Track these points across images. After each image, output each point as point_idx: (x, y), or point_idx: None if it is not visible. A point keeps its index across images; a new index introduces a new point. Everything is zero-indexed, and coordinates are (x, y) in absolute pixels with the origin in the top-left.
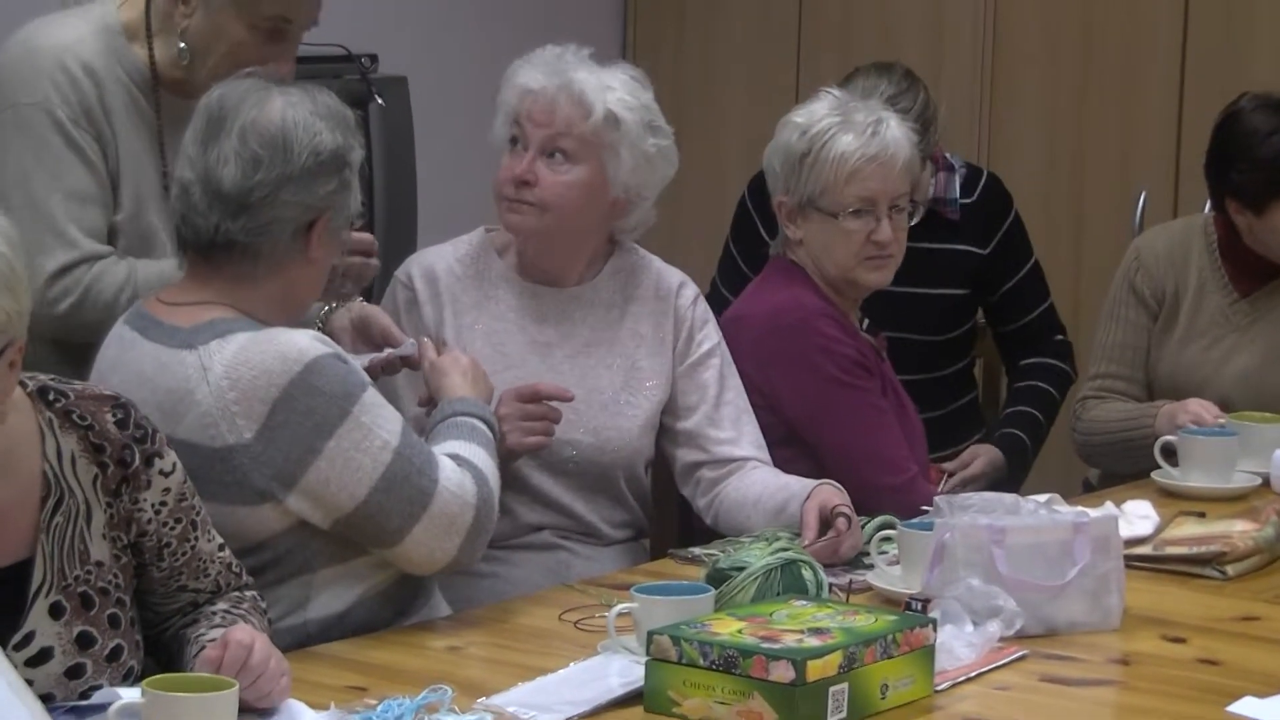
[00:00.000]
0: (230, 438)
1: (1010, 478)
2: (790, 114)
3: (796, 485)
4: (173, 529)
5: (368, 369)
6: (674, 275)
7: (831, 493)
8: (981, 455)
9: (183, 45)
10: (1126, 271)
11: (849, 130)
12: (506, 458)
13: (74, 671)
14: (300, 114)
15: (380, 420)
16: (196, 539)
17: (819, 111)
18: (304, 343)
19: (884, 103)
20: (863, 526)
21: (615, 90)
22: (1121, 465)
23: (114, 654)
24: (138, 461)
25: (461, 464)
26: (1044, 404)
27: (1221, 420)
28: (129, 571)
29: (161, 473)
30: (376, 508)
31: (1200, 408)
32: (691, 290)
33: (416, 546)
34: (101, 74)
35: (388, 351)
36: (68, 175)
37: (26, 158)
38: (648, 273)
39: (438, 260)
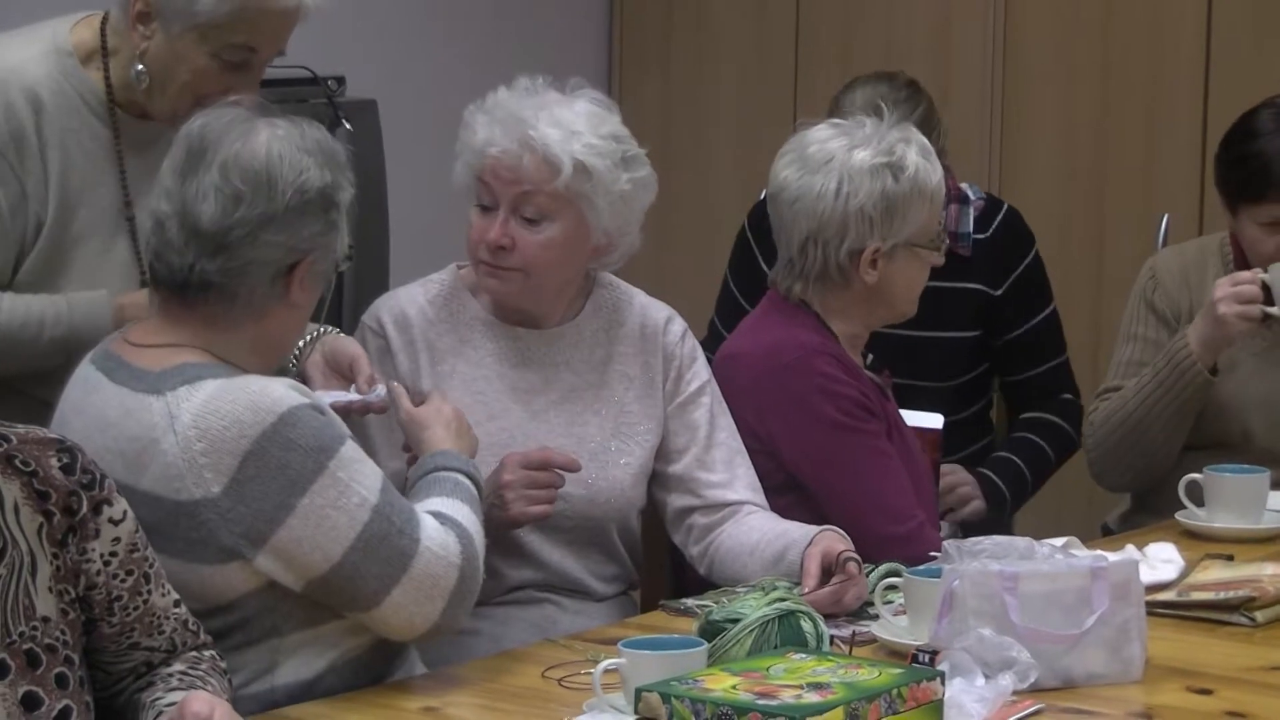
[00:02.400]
0: (197, 491)
1: (983, 526)
2: (839, 158)
3: (797, 532)
4: (124, 581)
5: (334, 408)
6: (659, 310)
7: (835, 539)
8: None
9: (140, 68)
10: (1143, 290)
11: (919, 157)
12: (507, 526)
13: None
14: (286, 149)
15: (358, 476)
16: (149, 593)
17: (894, 149)
18: (279, 392)
19: (888, 108)
20: (866, 575)
21: (581, 135)
22: (1140, 451)
23: (62, 716)
24: (85, 509)
25: (445, 522)
26: (1033, 457)
27: (1262, 276)
28: (77, 628)
29: (111, 520)
30: (353, 569)
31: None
32: (679, 325)
33: (396, 611)
34: (47, 101)
35: (353, 397)
36: None
37: None
38: (631, 308)
39: (408, 303)
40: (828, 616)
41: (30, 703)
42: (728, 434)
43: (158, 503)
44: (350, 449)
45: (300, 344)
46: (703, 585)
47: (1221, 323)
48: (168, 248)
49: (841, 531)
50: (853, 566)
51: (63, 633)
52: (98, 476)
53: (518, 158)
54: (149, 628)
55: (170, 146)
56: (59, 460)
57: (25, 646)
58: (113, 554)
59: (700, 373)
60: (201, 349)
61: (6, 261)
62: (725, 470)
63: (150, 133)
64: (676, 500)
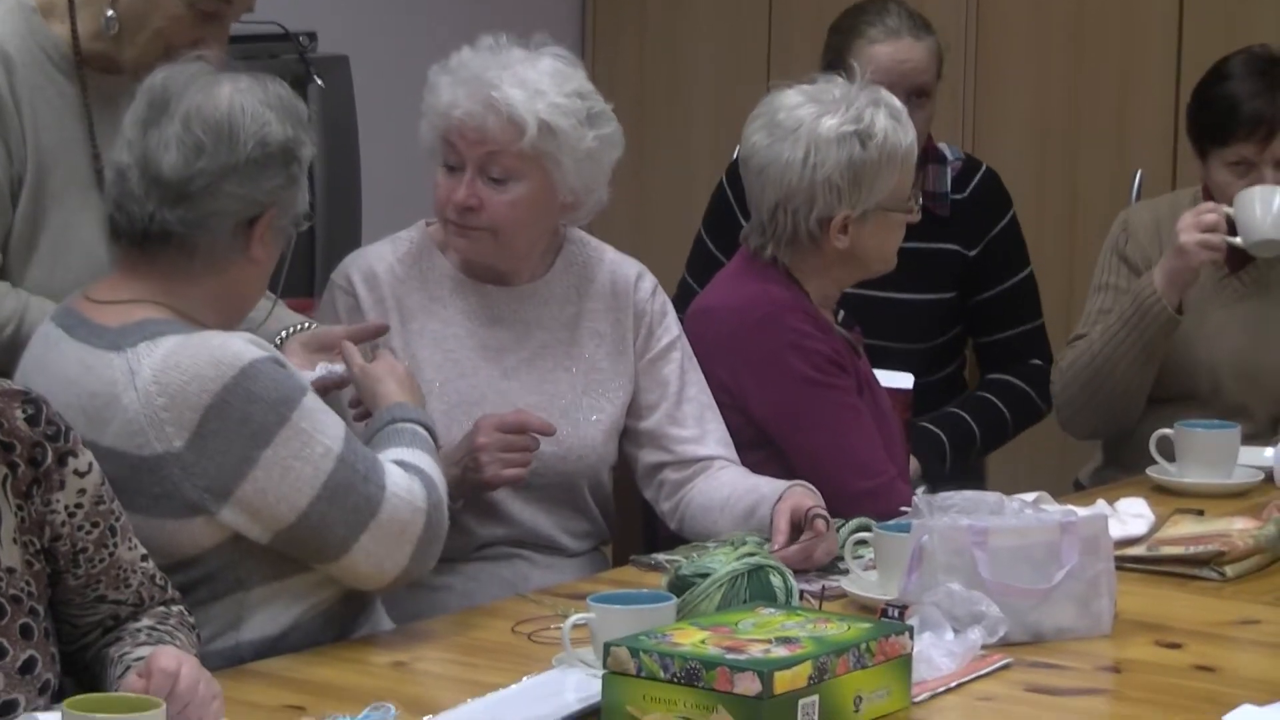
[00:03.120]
0: (159, 446)
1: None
2: (807, 126)
3: (767, 487)
4: (89, 533)
5: (314, 385)
6: (630, 266)
7: (804, 494)
8: None
9: (111, 14)
10: (1115, 242)
11: (889, 121)
12: (481, 489)
13: None
14: (249, 102)
15: (321, 426)
16: (115, 545)
17: (862, 115)
18: (239, 346)
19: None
20: (837, 530)
21: (545, 95)
22: (1106, 394)
23: (27, 666)
24: (50, 460)
25: (409, 469)
26: (987, 418)
27: (1227, 210)
28: (42, 579)
29: (76, 473)
30: (320, 519)
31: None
32: (649, 281)
33: (365, 558)
34: (15, 58)
35: (325, 371)
36: None
37: None
38: (601, 265)
39: (377, 261)
40: (797, 572)
41: None
42: (698, 389)
43: (120, 458)
44: (312, 400)
45: (281, 334)
46: (675, 541)
47: (1184, 252)
48: (128, 198)
49: (811, 487)
50: (820, 523)
51: (28, 584)
52: (63, 428)
53: (482, 119)
54: (115, 581)
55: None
56: (24, 412)
57: None
58: (78, 506)
59: (671, 328)
60: (161, 304)
61: (4, 225)
62: (696, 426)
63: (117, 87)
64: (647, 456)
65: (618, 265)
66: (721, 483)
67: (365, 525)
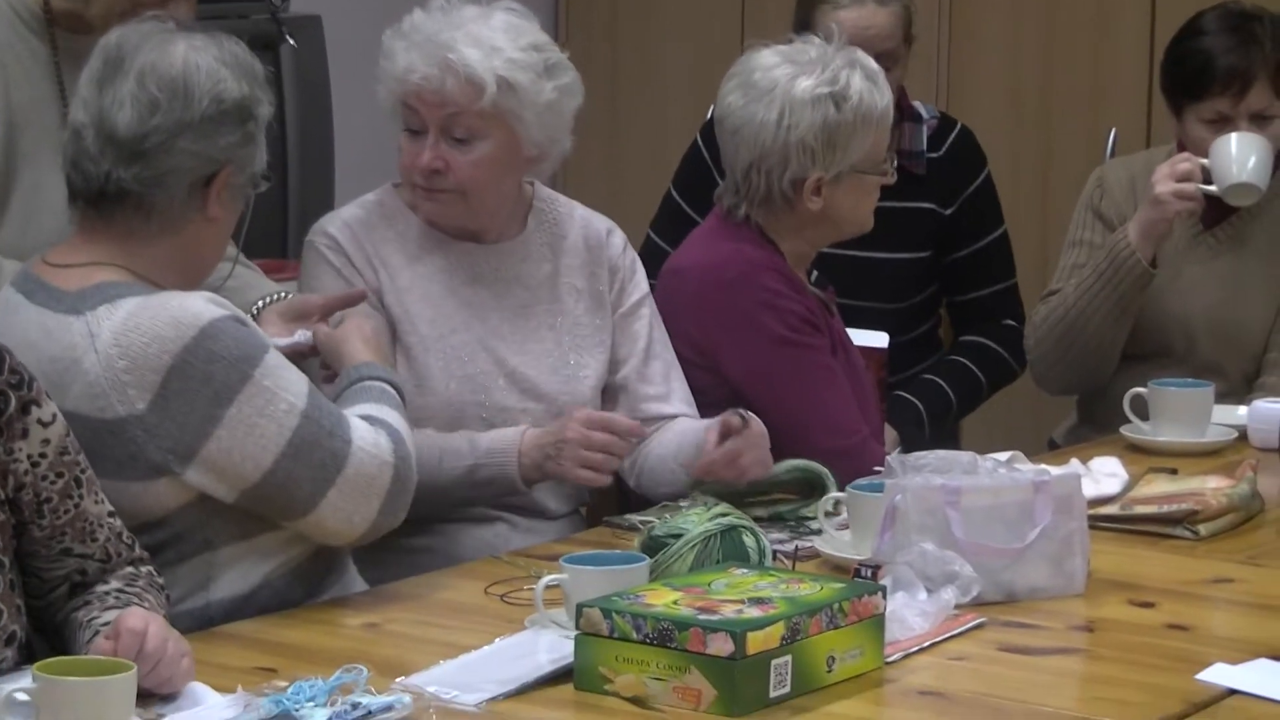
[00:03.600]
0: (121, 409)
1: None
2: (781, 87)
3: (711, 421)
4: (53, 483)
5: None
6: (600, 221)
7: (734, 414)
8: None
9: None
10: (1089, 198)
11: (864, 83)
12: (554, 479)
13: None
14: (204, 59)
15: (284, 383)
16: (81, 497)
17: (837, 77)
18: (198, 306)
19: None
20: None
21: (501, 50)
22: (1080, 349)
23: None
24: (13, 407)
25: (375, 423)
26: (961, 381)
27: (1202, 161)
28: (7, 530)
29: (40, 422)
30: (285, 475)
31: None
32: (620, 236)
33: (333, 513)
34: None
35: (301, 336)
36: None
37: None
38: (572, 221)
39: (353, 220)
40: (730, 493)
41: None
42: (664, 347)
43: (83, 422)
44: (274, 357)
45: (257, 304)
46: (647, 503)
47: (1159, 203)
48: (84, 156)
49: (749, 414)
50: (736, 420)
51: None
52: (26, 378)
53: (440, 82)
54: (81, 533)
55: None
56: None
57: None
58: (42, 455)
59: (641, 284)
60: (120, 266)
61: None
62: (663, 383)
63: (86, 46)
64: (616, 411)
65: (589, 221)
66: (673, 434)
67: (332, 480)
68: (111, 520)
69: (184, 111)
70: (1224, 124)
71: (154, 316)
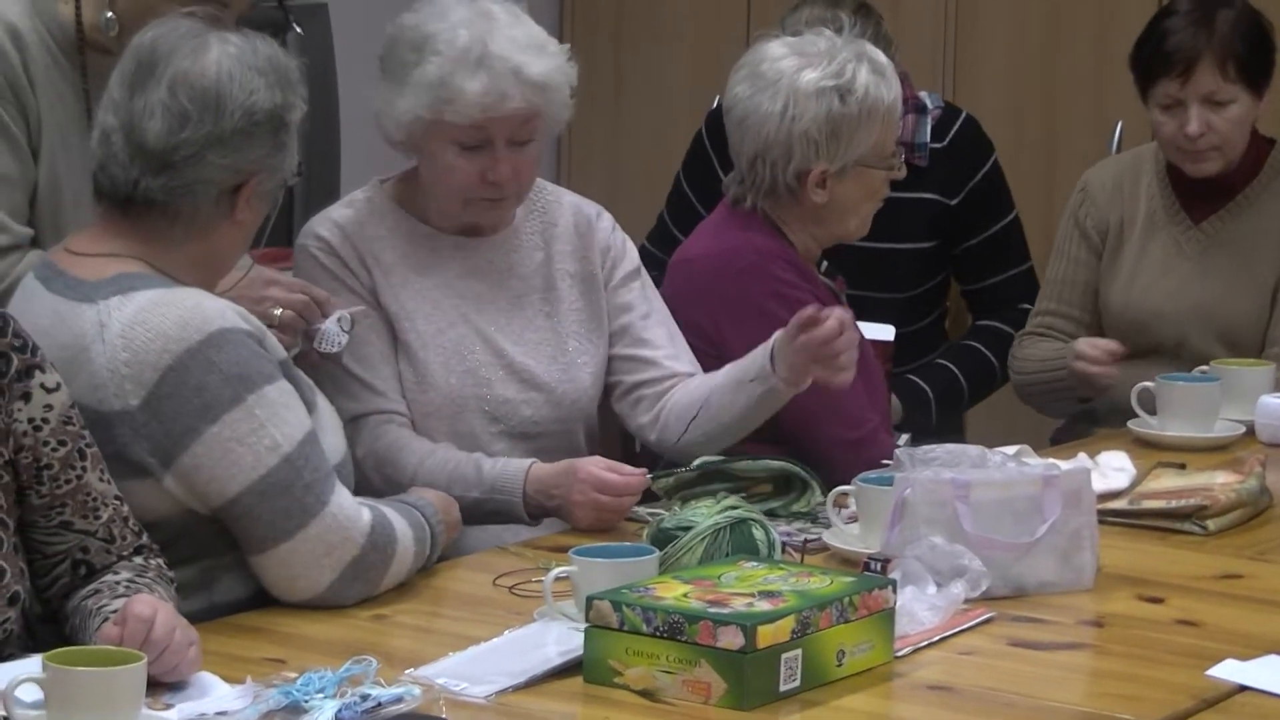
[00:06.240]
0: (116, 403)
1: (906, 426)
2: (787, 78)
3: (744, 358)
4: (55, 450)
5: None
6: (589, 205)
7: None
8: None
9: (110, 15)
10: (1073, 205)
11: (871, 76)
12: (545, 515)
13: None
14: (237, 68)
15: (278, 419)
16: (84, 470)
17: (843, 70)
18: (211, 310)
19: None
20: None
21: (546, 48)
22: (1052, 409)
23: None
24: (15, 368)
25: (369, 506)
26: (970, 365)
27: (1114, 349)
28: (10, 493)
29: (44, 387)
30: (245, 511)
31: (1087, 346)
32: (609, 218)
33: (279, 566)
34: (26, 37)
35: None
36: None
37: None
38: (561, 207)
39: (344, 221)
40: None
41: None
42: (665, 316)
43: (83, 412)
44: (277, 390)
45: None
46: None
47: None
48: (112, 161)
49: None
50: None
51: None
52: (30, 343)
53: (529, 100)
54: (82, 507)
55: None
56: None
57: None
58: (44, 420)
59: (632, 258)
60: (141, 260)
61: (26, 202)
62: (669, 345)
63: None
64: (625, 377)
65: (579, 206)
66: (699, 383)
67: (291, 534)
68: (118, 503)
69: (215, 125)
70: (1176, 107)
71: (164, 314)
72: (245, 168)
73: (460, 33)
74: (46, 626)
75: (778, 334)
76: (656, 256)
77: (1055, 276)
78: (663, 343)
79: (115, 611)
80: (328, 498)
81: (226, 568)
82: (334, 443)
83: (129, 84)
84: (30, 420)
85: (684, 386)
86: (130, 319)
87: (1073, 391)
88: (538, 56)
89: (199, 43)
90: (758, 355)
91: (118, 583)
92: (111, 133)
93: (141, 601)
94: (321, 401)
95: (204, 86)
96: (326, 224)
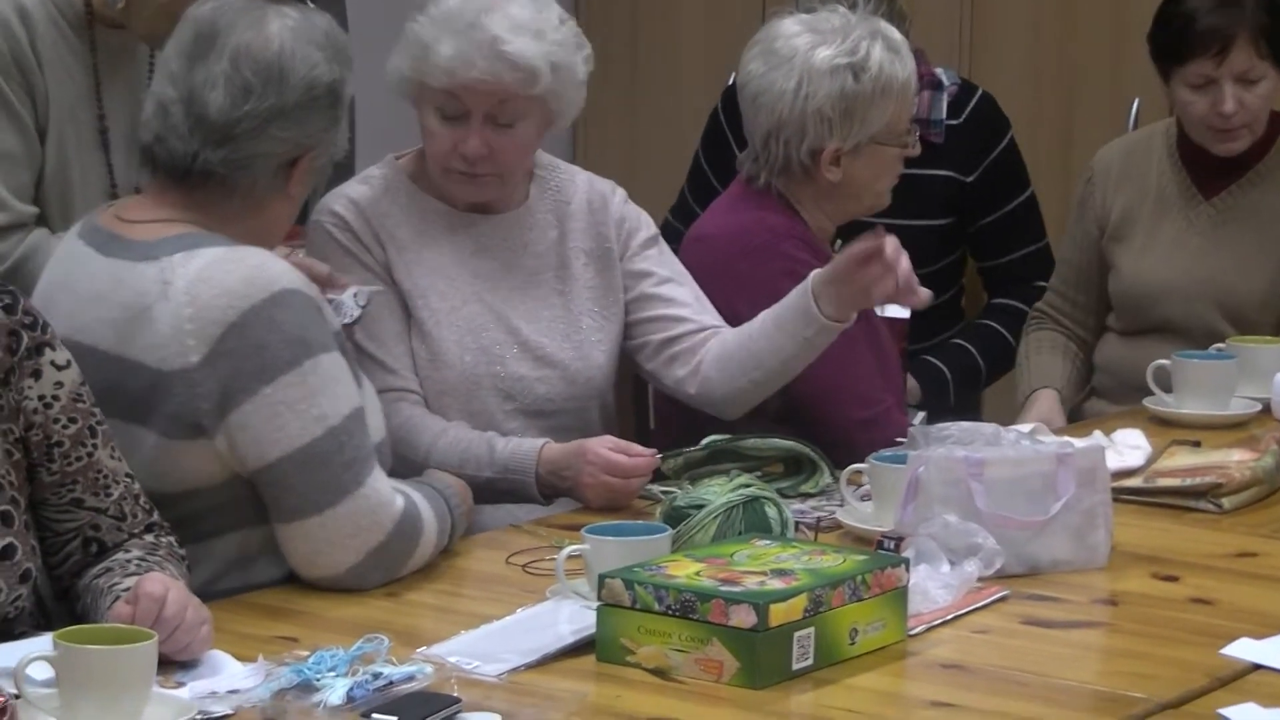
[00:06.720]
0: (176, 361)
1: (924, 406)
2: (801, 56)
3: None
4: (65, 428)
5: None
6: (602, 182)
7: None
8: None
9: None
10: (1080, 192)
11: (885, 54)
12: (557, 495)
13: None
14: (297, 41)
15: (329, 390)
16: (95, 447)
17: (857, 47)
18: (277, 270)
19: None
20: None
21: (545, 34)
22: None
23: (6, 553)
24: (25, 345)
25: (403, 493)
26: (988, 344)
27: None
28: (21, 470)
29: (54, 365)
30: (280, 477)
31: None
32: (622, 193)
33: (303, 539)
34: (34, 14)
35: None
36: None
37: None
38: (575, 185)
39: (358, 197)
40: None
41: None
42: (687, 278)
43: (142, 373)
44: (332, 360)
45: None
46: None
47: None
48: (171, 133)
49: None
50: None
51: (7, 472)
52: (39, 320)
53: (496, 75)
54: (93, 484)
55: (143, 63)
56: (0, 301)
57: None
58: (54, 397)
59: (648, 226)
60: (197, 225)
61: (31, 181)
62: (695, 302)
63: (125, 45)
64: (653, 336)
65: (592, 183)
66: (737, 332)
67: (321, 508)
68: (129, 480)
69: (278, 98)
70: (1209, 86)
71: (230, 270)
72: (303, 141)
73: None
74: (59, 604)
75: (814, 273)
76: (678, 230)
77: (1061, 257)
78: (688, 300)
79: (127, 590)
80: (364, 478)
81: (264, 547)
82: (375, 423)
83: (188, 56)
84: (40, 398)
85: (719, 337)
86: (195, 275)
87: None
88: (528, 39)
89: (258, 15)
90: (798, 301)
91: (129, 560)
92: (170, 104)
93: (153, 580)
94: (365, 381)
95: (267, 60)
96: (341, 200)
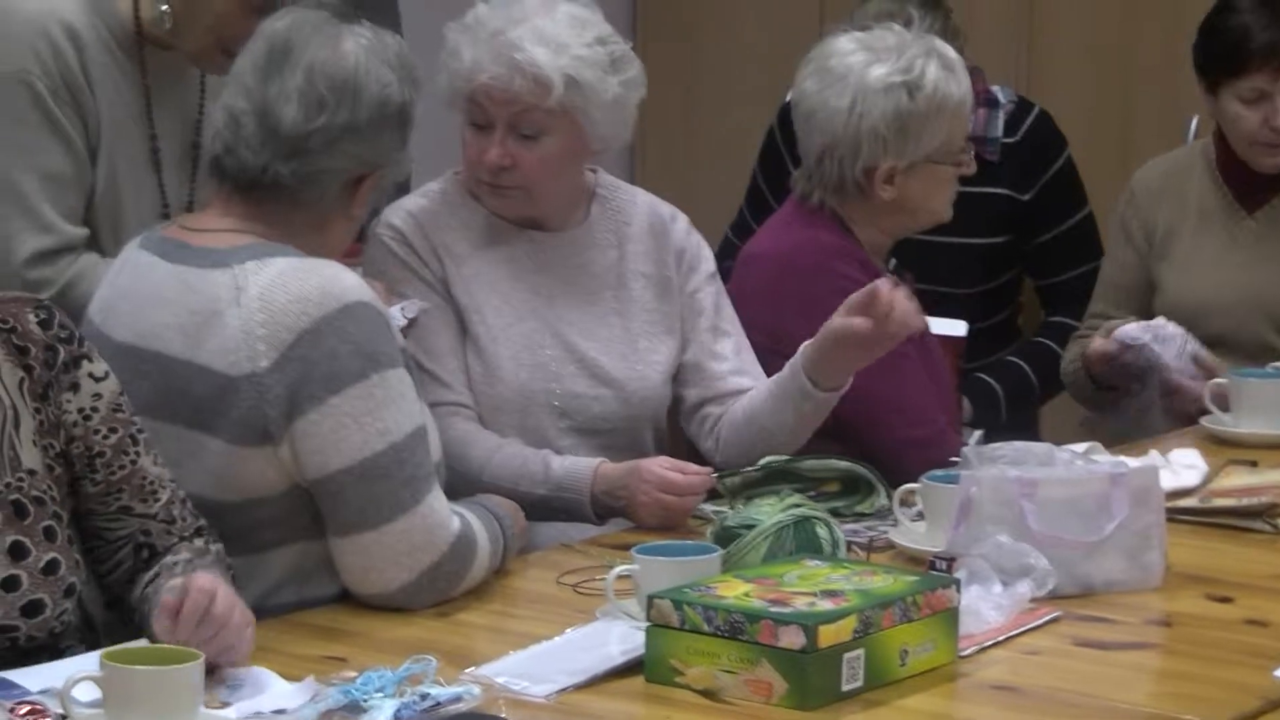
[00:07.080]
0: (247, 366)
1: (976, 424)
2: (855, 74)
3: (785, 368)
4: (106, 438)
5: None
6: (664, 206)
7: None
8: None
9: (165, 8)
10: (1121, 210)
11: (940, 72)
12: (612, 515)
13: (8, 584)
14: (371, 60)
15: (394, 405)
16: (138, 455)
17: (912, 66)
18: (351, 282)
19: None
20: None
21: (568, 48)
22: (1091, 402)
23: (50, 568)
24: (62, 359)
25: (459, 514)
26: (1041, 362)
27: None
28: (64, 484)
29: (91, 376)
30: (338, 489)
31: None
32: (684, 220)
33: (357, 553)
34: (84, 36)
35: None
36: (45, 155)
37: (1, 134)
38: (636, 207)
39: (418, 211)
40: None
41: (17, 552)
42: (734, 325)
43: (210, 377)
44: (398, 377)
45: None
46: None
47: None
48: (242, 144)
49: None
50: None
51: (50, 487)
52: (75, 334)
53: (509, 81)
54: (140, 490)
55: (193, 83)
56: (36, 316)
57: (12, 497)
58: (94, 409)
59: (708, 263)
60: (264, 237)
61: (81, 203)
62: (735, 358)
63: (175, 65)
64: (690, 393)
65: (654, 206)
66: (747, 398)
67: (377, 524)
68: (174, 486)
69: (351, 114)
70: (1263, 100)
71: (304, 279)
72: (372, 159)
73: (498, 10)
74: (109, 613)
75: (804, 346)
76: (737, 247)
77: (1104, 278)
78: (730, 357)
79: (173, 589)
80: (423, 496)
81: (321, 563)
82: (434, 440)
83: (262, 69)
84: (80, 410)
85: (738, 403)
86: (269, 282)
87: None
88: (545, 49)
89: (333, 32)
90: (790, 375)
91: (175, 563)
92: (242, 115)
93: (204, 576)
94: (423, 400)
95: (342, 76)
96: (400, 213)
